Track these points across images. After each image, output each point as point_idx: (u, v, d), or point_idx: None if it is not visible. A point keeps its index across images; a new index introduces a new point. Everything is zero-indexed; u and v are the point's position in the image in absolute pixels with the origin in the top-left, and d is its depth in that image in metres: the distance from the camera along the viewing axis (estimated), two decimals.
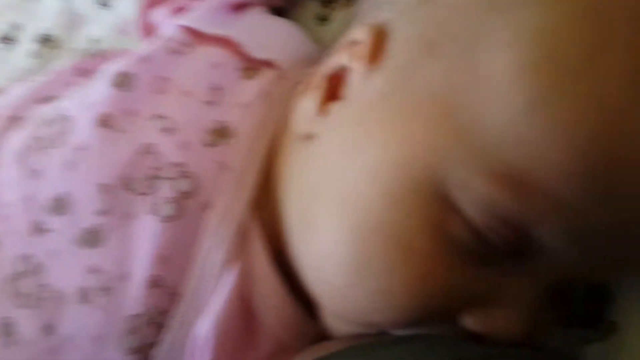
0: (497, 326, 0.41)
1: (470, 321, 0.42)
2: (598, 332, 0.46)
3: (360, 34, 0.46)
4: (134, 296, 0.46)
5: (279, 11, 0.65)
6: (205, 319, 0.46)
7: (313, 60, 0.53)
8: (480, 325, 0.41)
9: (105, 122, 0.49)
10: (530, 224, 0.39)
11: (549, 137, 0.37)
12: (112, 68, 0.52)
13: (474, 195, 0.39)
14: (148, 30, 0.61)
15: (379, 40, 0.45)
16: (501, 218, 0.39)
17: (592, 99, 0.37)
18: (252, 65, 0.53)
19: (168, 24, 0.56)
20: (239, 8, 0.59)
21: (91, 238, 0.47)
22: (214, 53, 0.54)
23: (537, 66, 0.38)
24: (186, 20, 0.55)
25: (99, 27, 0.76)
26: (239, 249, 0.47)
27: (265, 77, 0.53)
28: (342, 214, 0.43)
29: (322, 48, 0.56)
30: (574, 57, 0.37)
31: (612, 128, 0.37)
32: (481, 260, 0.41)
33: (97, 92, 0.51)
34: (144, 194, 0.47)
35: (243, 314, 0.47)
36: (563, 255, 0.40)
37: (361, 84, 0.45)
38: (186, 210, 0.47)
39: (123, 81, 0.50)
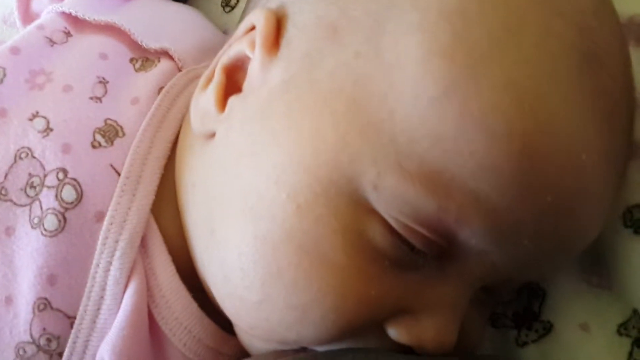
0: (425, 335, 0.38)
1: (395, 333, 0.38)
2: (532, 333, 0.45)
3: (256, 19, 0.42)
4: (21, 322, 0.41)
5: None
6: (105, 343, 0.41)
7: (217, 50, 0.48)
8: (407, 335, 0.38)
9: None
10: (452, 226, 0.36)
11: (463, 127, 0.34)
12: None
13: (389, 196, 0.36)
14: (30, 19, 0.54)
15: (276, 26, 0.41)
16: (419, 220, 0.36)
17: (505, 85, 0.34)
18: (145, 56, 0.48)
19: (47, 11, 0.50)
20: None
21: None
22: (101, 42, 0.48)
23: (447, 50, 0.35)
24: (64, 5, 0.49)
25: None
26: (139, 263, 0.42)
27: (160, 70, 0.47)
28: (247, 223, 0.39)
29: (228, 38, 0.52)
30: (485, 40, 0.35)
31: (529, 116, 0.34)
32: (403, 266, 0.37)
33: None
34: (22, 205, 0.42)
35: (148, 334, 0.43)
36: (489, 256, 0.37)
37: (260, 75, 0.41)
38: (72, 223, 0.42)
39: None
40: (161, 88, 0.46)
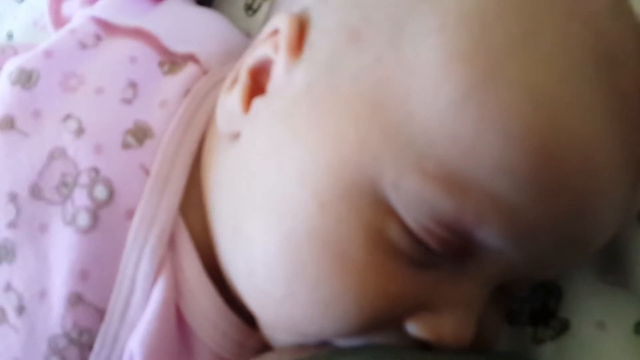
0: (443, 331, 0.39)
1: (415, 328, 0.39)
2: (549, 330, 0.45)
3: (280, 22, 0.43)
4: (54, 315, 0.43)
5: (206, 2, 0.61)
6: (134, 337, 0.42)
7: (241, 53, 0.49)
8: (426, 331, 0.39)
9: (6, 124, 0.44)
10: (469, 227, 0.37)
11: (481, 130, 0.35)
12: (13, 64, 0.47)
13: (408, 196, 0.37)
14: (60, 23, 0.56)
15: (300, 30, 0.42)
16: (439, 220, 0.37)
17: (523, 87, 0.35)
18: (173, 60, 0.49)
19: (79, 16, 0.51)
20: None
21: (2, 253, 0.43)
22: (130, 46, 0.49)
23: (466, 54, 0.36)
24: (95, 10, 0.50)
25: (12, 21, 0.72)
26: (167, 259, 0.44)
27: (187, 73, 0.49)
28: (272, 220, 0.40)
29: (251, 40, 0.53)
30: (503, 43, 0.35)
31: (546, 117, 0.35)
32: (421, 264, 0.38)
33: None
34: (56, 203, 0.43)
35: (176, 328, 0.44)
36: (506, 255, 0.38)
37: (284, 78, 0.42)
38: (104, 220, 0.43)
39: (24, 78, 0.46)
40: (188, 91, 0.48)
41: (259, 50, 0.44)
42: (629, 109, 0.38)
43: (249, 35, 0.58)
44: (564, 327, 0.45)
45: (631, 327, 0.43)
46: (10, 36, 0.71)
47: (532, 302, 0.46)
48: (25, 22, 0.70)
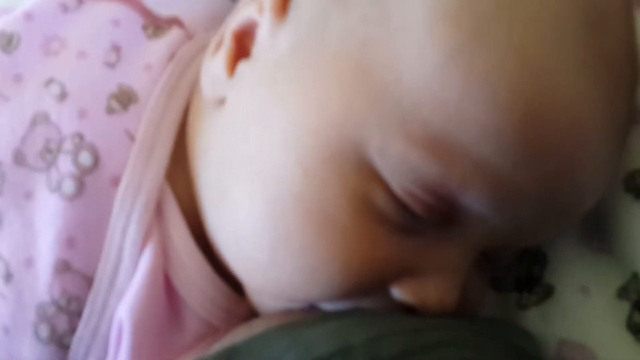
0: (427, 295, 0.39)
1: (399, 292, 0.39)
2: (533, 296, 0.46)
3: None
4: (41, 283, 0.42)
5: None
6: (123, 304, 0.42)
7: (226, 18, 0.48)
8: (410, 295, 0.39)
9: None
10: (454, 192, 0.37)
11: (468, 93, 0.35)
12: None
13: (394, 160, 0.36)
14: None
15: None
16: (424, 185, 0.36)
17: (510, 48, 0.35)
18: (157, 23, 0.48)
19: None
20: None
21: None
22: (113, 9, 0.48)
23: (452, 15, 0.35)
24: None
25: None
26: (155, 226, 0.43)
27: (171, 37, 0.48)
28: (256, 186, 0.40)
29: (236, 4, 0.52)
30: (490, 4, 0.35)
31: (532, 80, 0.35)
32: (406, 230, 0.38)
33: None
34: (40, 169, 0.43)
35: (165, 296, 0.44)
36: (491, 220, 0.38)
37: (269, 40, 0.41)
38: (90, 186, 0.43)
39: (5, 42, 0.45)
40: (172, 55, 0.47)
41: (243, 13, 0.43)
42: (615, 72, 0.38)
43: (233, 0, 0.57)
44: (548, 292, 0.45)
45: (614, 292, 0.44)
46: None
47: (517, 269, 0.46)
48: None
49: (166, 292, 0.44)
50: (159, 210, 0.44)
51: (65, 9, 0.47)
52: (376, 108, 0.36)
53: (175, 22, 0.49)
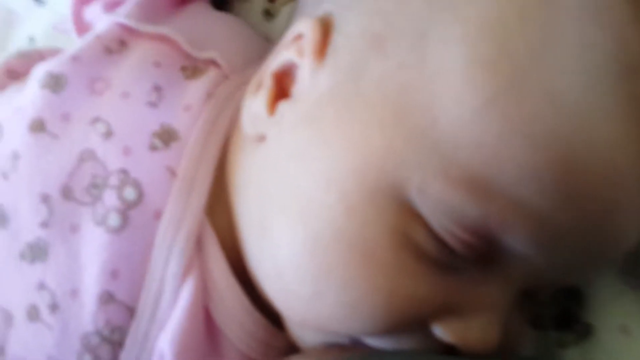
0: (470, 335, 0.39)
1: (441, 332, 0.39)
2: (572, 334, 0.46)
3: (304, 27, 0.43)
4: (86, 313, 0.44)
5: (223, 6, 0.61)
6: (164, 335, 0.43)
7: (261, 57, 0.50)
8: (452, 334, 0.39)
9: (36, 127, 0.45)
10: (494, 232, 0.37)
11: (505, 137, 0.35)
12: (41, 69, 0.48)
13: (433, 200, 0.37)
14: (83, 28, 0.57)
15: (324, 34, 0.42)
16: (464, 225, 0.37)
17: (545, 95, 0.35)
18: (195, 65, 0.50)
19: (102, 21, 0.52)
20: (178, 2, 0.55)
21: (35, 252, 0.44)
22: (154, 51, 0.50)
23: (488, 62, 0.36)
24: (118, 16, 0.51)
25: (33, 25, 0.72)
26: (195, 259, 0.44)
27: (209, 77, 0.49)
28: (299, 222, 0.40)
29: (270, 45, 0.53)
30: (525, 50, 0.36)
31: (569, 125, 0.35)
32: (447, 268, 0.39)
33: (27, 95, 0.47)
34: (87, 204, 0.44)
35: (204, 327, 0.44)
36: (531, 260, 0.38)
37: (309, 82, 0.42)
38: (134, 220, 0.44)
39: (53, 82, 0.47)
40: (210, 94, 0.48)
41: (283, 55, 0.44)
42: None
43: (268, 40, 0.59)
44: (587, 331, 0.45)
45: None
46: (32, 40, 0.72)
47: (555, 307, 0.46)
48: (46, 26, 0.71)
49: (206, 325, 0.45)
50: (199, 244, 0.45)
51: (109, 51, 0.49)
52: (415, 149, 0.37)
53: (212, 63, 0.51)
